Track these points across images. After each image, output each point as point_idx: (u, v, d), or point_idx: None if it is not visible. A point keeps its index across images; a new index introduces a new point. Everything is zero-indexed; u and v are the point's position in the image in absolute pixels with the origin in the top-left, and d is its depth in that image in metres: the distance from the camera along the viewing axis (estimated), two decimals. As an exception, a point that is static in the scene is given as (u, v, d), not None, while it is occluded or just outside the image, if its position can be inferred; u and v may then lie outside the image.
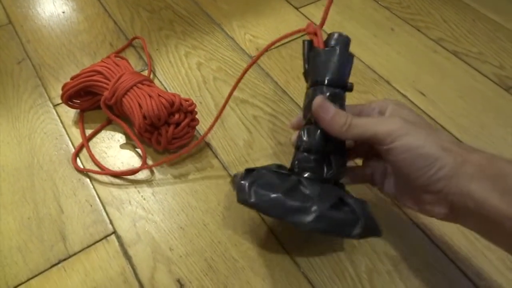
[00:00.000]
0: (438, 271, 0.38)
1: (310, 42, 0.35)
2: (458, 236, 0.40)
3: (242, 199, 0.31)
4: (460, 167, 0.27)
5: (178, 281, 0.37)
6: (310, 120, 0.34)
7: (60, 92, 0.47)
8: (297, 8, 0.65)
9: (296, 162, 0.34)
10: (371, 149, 0.36)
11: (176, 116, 0.43)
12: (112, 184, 0.44)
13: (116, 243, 0.40)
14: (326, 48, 0.34)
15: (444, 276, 0.38)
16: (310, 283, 0.37)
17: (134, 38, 0.58)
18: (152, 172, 0.45)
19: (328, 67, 0.33)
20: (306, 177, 0.32)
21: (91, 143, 0.47)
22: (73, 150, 0.46)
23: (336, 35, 0.34)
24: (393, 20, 0.64)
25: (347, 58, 0.34)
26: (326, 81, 0.33)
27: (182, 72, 0.55)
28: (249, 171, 0.33)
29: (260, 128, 0.49)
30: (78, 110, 0.50)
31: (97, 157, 0.46)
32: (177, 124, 0.44)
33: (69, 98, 0.47)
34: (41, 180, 0.44)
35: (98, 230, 0.40)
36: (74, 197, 0.42)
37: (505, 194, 0.26)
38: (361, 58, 0.58)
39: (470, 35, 0.62)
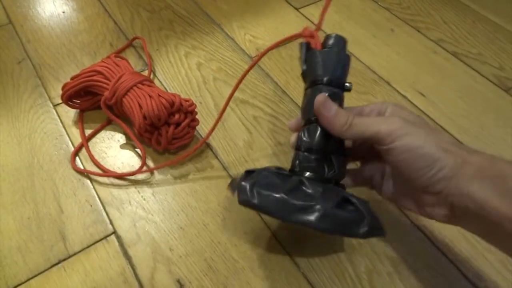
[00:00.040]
0: (438, 273, 0.38)
1: (307, 44, 0.35)
2: (458, 238, 0.40)
3: (244, 201, 0.30)
4: (460, 168, 0.27)
5: (178, 281, 0.37)
6: (309, 120, 0.34)
7: (60, 92, 0.47)
8: (297, 9, 0.65)
9: (297, 162, 0.34)
10: (369, 151, 0.36)
11: (176, 116, 0.43)
12: (112, 184, 0.44)
13: (116, 243, 0.40)
14: (324, 49, 0.34)
15: (444, 278, 0.38)
16: (309, 283, 0.38)
17: (134, 39, 0.58)
18: (152, 172, 0.45)
19: (326, 67, 0.33)
20: (307, 177, 0.32)
21: (91, 143, 0.47)
22: (73, 150, 0.46)
23: (333, 36, 0.35)
24: (393, 21, 0.64)
25: (344, 59, 0.34)
26: (324, 81, 0.33)
27: (182, 72, 0.55)
28: (249, 173, 0.33)
29: (260, 128, 0.49)
30: (78, 110, 0.50)
31: (97, 157, 0.46)
32: (177, 124, 0.44)
33: (69, 98, 0.47)
34: (41, 180, 0.44)
35: (98, 230, 0.40)
36: (74, 197, 0.42)
37: (505, 196, 0.26)
38: (361, 58, 0.58)
39: (470, 36, 0.62)
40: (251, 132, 0.49)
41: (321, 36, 0.35)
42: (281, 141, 0.48)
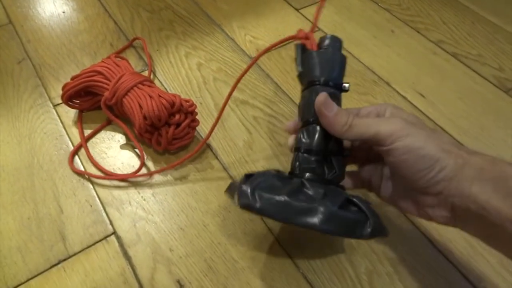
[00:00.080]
0: (438, 273, 0.38)
1: (303, 45, 0.35)
2: (458, 238, 0.40)
3: (246, 205, 0.29)
4: (460, 169, 0.27)
5: (178, 281, 0.37)
6: (308, 121, 0.33)
7: (60, 92, 0.47)
8: (297, 10, 0.65)
9: (297, 164, 0.33)
10: (368, 152, 0.36)
11: (177, 116, 0.43)
12: (112, 184, 0.44)
13: (116, 244, 0.40)
14: (320, 50, 0.34)
15: (444, 279, 0.38)
16: (309, 284, 0.38)
17: (134, 39, 0.58)
18: (151, 174, 0.45)
19: (322, 67, 0.33)
20: (308, 179, 0.32)
21: (91, 143, 0.47)
22: (71, 151, 0.46)
23: (328, 37, 0.35)
24: (393, 22, 0.64)
25: (340, 59, 0.34)
26: (321, 81, 0.33)
27: (182, 72, 0.55)
28: (248, 176, 0.32)
29: (260, 129, 0.49)
30: (78, 110, 0.49)
31: (97, 157, 0.46)
32: (178, 125, 0.44)
33: (69, 98, 0.47)
34: (41, 180, 0.44)
35: (98, 231, 0.40)
36: (74, 197, 0.42)
37: (506, 197, 0.26)
38: (361, 59, 0.58)
39: (469, 37, 0.62)
40: (251, 133, 0.49)
41: (319, 37, 0.35)
42: (281, 141, 0.48)
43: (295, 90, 0.53)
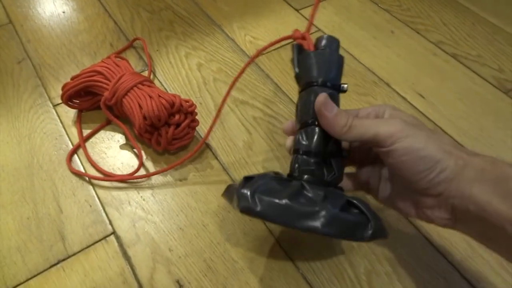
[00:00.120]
0: (437, 274, 0.38)
1: (299, 46, 0.35)
2: (457, 238, 0.40)
3: (246, 208, 0.29)
4: (461, 170, 0.27)
5: (178, 281, 0.37)
6: (306, 122, 0.33)
7: (60, 92, 0.47)
8: (297, 10, 0.65)
9: (296, 166, 0.33)
10: (366, 154, 0.36)
11: (176, 117, 0.43)
12: (112, 184, 0.44)
13: (116, 244, 0.40)
14: (317, 50, 0.34)
15: (443, 279, 0.38)
16: (308, 284, 0.38)
17: (135, 39, 0.58)
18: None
19: (320, 68, 0.33)
20: (308, 181, 0.32)
21: (90, 143, 0.47)
22: (69, 151, 0.46)
23: (325, 37, 0.35)
24: (393, 22, 0.64)
25: (338, 59, 0.34)
26: (319, 82, 0.33)
27: (182, 73, 0.55)
28: (247, 179, 0.32)
29: (259, 129, 0.49)
30: (77, 110, 0.49)
31: (96, 157, 0.46)
32: (177, 125, 0.44)
33: (69, 98, 0.47)
34: (41, 180, 0.44)
35: (97, 231, 0.40)
36: (73, 197, 0.42)
37: (507, 198, 0.26)
38: (360, 60, 0.58)
39: (469, 38, 0.62)
40: (250, 133, 0.49)
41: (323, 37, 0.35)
42: (280, 142, 0.48)
43: (295, 91, 0.53)
